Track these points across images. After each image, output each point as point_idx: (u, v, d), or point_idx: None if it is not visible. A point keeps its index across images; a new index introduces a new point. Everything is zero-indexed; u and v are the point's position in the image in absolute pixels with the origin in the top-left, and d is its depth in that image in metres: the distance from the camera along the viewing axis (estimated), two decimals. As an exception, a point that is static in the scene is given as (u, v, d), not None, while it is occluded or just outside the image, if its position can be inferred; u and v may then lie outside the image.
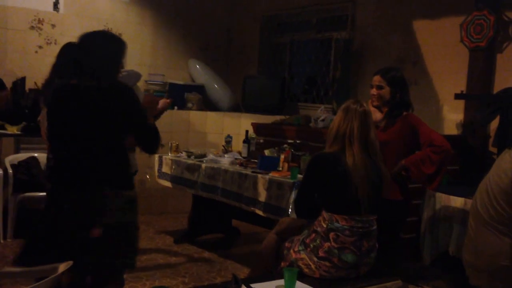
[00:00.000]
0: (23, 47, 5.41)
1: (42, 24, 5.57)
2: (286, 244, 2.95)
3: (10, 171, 4.55)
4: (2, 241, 4.54)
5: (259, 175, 4.00)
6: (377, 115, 3.30)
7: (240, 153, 4.83)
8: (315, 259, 2.76)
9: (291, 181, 3.76)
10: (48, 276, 2.00)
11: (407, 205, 3.37)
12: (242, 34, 6.77)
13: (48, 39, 5.53)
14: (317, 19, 6.05)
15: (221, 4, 6.81)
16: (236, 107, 6.42)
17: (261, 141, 4.86)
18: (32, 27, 5.52)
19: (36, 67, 5.25)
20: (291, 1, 6.14)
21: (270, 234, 3.14)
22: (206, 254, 4.67)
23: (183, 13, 6.56)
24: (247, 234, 5.31)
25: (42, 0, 5.57)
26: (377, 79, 3.34)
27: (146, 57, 6.30)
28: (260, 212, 3.98)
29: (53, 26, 5.63)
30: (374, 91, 3.35)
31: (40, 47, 5.47)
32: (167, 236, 5.17)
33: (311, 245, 2.79)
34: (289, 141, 4.80)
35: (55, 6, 5.66)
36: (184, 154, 4.90)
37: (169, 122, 6.10)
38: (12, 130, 4.83)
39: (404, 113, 3.32)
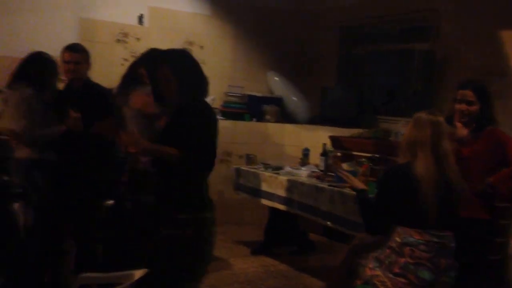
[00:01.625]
0: (110, 60, 5.66)
1: (128, 38, 5.82)
2: (361, 261, 2.88)
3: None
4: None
5: (336, 189, 3.94)
6: (463, 131, 3.15)
7: (317, 166, 4.78)
8: (391, 275, 2.68)
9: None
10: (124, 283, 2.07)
11: (494, 225, 3.19)
12: (320, 45, 6.73)
13: (133, 52, 5.76)
14: (398, 29, 5.89)
15: (300, 16, 6.82)
16: (314, 120, 6.38)
17: (339, 154, 4.78)
18: (118, 40, 5.78)
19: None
20: (371, 12, 6.03)
21: (346, 250, 3.08)
22: (282, 267, 4.65)
23: (262, 25, 6.63)
24: (323, 247, 5.24)
25: (128, 14, 5.83)
26: (468, 93, 3.15)
27: (225, 69, 6.41)
28: (336, 226, 3.91)
29: (138, 39, 5.87)
30: (463, 106, 3.17)
31: (125, 59, 5.68)
32: (244, 246, 5.20)
33: (386, 261, 2.71)
34: (368, 155, 4.69)
35: (140, 20, 5.90)
36: (261, 166, 4.93)
37: (247, 133, 6.16)
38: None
39: (489, 127, 3.16)
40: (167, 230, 2.46)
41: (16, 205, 4.37)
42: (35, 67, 3.60)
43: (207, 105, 2.57)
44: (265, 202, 4.75)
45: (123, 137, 2.51)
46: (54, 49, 3.78)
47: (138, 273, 2.24)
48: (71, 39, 4.76)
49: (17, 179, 4.49)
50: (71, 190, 3.57)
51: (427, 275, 2.64)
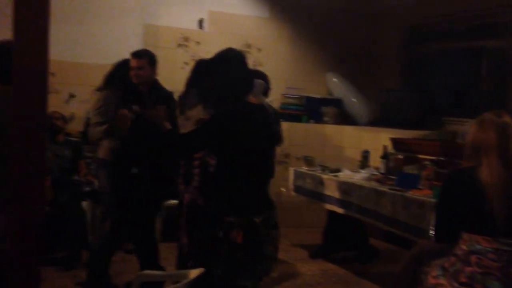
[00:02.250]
0: (172, 64, 5.78)
1: (188, 42, 5.92)
2: (424, 268, 2.76)
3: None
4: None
5: (398, 193, 3.82)
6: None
7: (377, 169, 4.66)
8: (456, 284, 2.54)
9: (433, 200, 3.53)
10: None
11: None
12: (381, 45, 6.58)
13: (193, 56, 5.86)
14: (465, 27, 5.66)
15: (360, 16, 6.69)
16: (375, 121, 6.24)
17: (400, 157, 4.64)
18: (179, 45, 5.89)
19: (182, 82, 5.58)
20: (437, 9, 5.83)
21: (407, 256, 2.97)
22: (341, 272, 4.56)
23: (320, 26, 6.56)
24: (384, 252, 5.10)
25: (189, 19, 5.94)
26: None
27: (283, 70, 6.38)
28: (398, 232, 3.79)
29: (198, 43, 5.96)
30: None
31: (186, 63, 5.80)
32: (302, 249, 5.15)
33: (451, 270, 2.58)
34: (432, 157, 4.53)
35: (200, 24, 5.99)
36: (319, 168, 4.86)
37: (305, 135, 6.11)
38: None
39: None
40: (220, 231, 2.46)
41: (85, 203, 4.57)
42: (122, 72, 3.75)
43: (230, 113, 2.56)
44: (323, 205, 4.68)
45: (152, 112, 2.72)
46: (121, 55, 3.91)
47: (194, 272, 2.25)
48: (137, 44, 4.93)
49: (86, 178, 4.69)
50: (138, 189, 3.65)
51: (497, 286, 2.49)
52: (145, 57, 3.73)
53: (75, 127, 5.25)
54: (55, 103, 4.96)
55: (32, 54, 2.65)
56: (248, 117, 2.58)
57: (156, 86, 3.86)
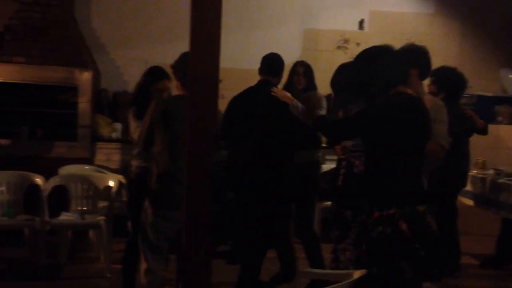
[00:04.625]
0: (330, 67, 5.80)
1: (348, 44, 5.90)
2: None
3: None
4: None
5: None
6: None
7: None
8: None
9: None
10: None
11: None
12: None
13: (353, 57, 5.82)
14: None
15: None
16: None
17: None
18: (338, 47, 5.90)
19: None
20: None
21: None
22: (516, 285, 4.20)
23: (492, 21, 6.08)
24: None
25: (348, 21, 5.92)
26: None
27: (450, 68, 6.04)
28: None
29: (358, 44, 5.90)
30: None
31: (346, 65, 5.81)
32: (472, 258, 4.83)
33: None
34: None
35: (360, 25, 5.94)
36: (492, 172, 4.52)
37: (475, 136, 5.70)
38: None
39: None
40: (379, 227, 2.41)
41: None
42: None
43: (388, 103, 2.52)
44: (494, 212, 4.33)
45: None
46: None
47: (357, 273, 2.25)
48: (296, 49, 5.07)
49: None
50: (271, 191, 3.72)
51: None
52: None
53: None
54: (221, 108, 5.29)
55: (205, 63, 2.88)
56: (404, 107, 2.52)
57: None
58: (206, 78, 2.91)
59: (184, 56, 3.23)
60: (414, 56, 3.19)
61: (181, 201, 3.06)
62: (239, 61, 5.70)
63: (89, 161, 5.23)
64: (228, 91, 5.71)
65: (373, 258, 2.45)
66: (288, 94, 3.38)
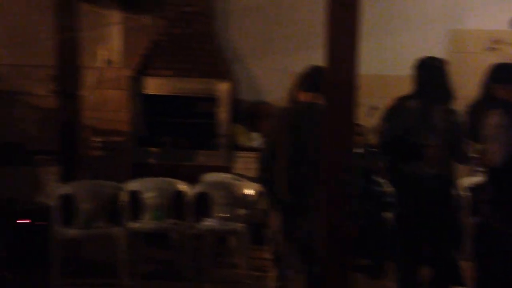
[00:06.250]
0: (478, 69, 5.40)
1: (499, 44, 5.47)
2: None
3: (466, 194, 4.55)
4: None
5: None
6: None
7: None
8: None
9: None
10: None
11: None
12: None
13: (506, 59, 5.38)
14: None
15: None
16: None
17: None
18: (488, 48, 5.49)
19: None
20: None
21: None
22: None
23: None
24: None
25: (498, 20, 5.50)
26: None
27: None
28: None
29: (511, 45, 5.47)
30: None
31: (495, 68, 5.37)
32: None
33: None
34: None
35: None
36: None
37: None
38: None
39: None
40: None
41: (386, 214, 4.61)
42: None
43: None
44: None
45: None
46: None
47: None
48: (440, 52, 4.78)
49: (389, 189, 4.73)
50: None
51: None
52: None
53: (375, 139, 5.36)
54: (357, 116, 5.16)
55: (341, 71, 2.81)
56: None
57: None
58: (344, 85, 2.84)
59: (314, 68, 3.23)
60: None
61: (308, 207, 3.03)
62: (377, 67, 5.52)
63: (228, 169, 5.38)
64: (365, 99, 5.56)
65: None
66: None
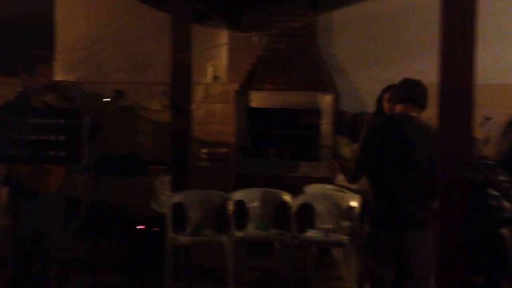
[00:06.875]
0: None
1: None
2: None
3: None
4: None
5: None
6: None
7: None
8: None
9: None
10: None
11: None
12: None
13: None
14: None
15: None
16: None
17: None
18: None
19: None
20: None
21: None
22: None
23: None
24: None
25: None
26: None
27: None
28: None
29: None
30: None
31: None
32: None
33: None
34: None
35: None
36: None
37: None
38: None
39: None
40: None
41: (504, 230, 4.40)
42: None
43: None
44: None
45: None
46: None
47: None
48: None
49: (507, 204, 4.52)
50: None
51: None
52: None
53: (491, 150, 5.13)
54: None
55: (459, 81, 2.74)
56: None
57: None
58: (462, 96, 2.77)
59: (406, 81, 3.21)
60: None
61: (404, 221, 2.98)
62: (487, 75, 5.29)
63: (331, 180, 5.41)
64: (477, 108, 5.34)
65: None
66: None
